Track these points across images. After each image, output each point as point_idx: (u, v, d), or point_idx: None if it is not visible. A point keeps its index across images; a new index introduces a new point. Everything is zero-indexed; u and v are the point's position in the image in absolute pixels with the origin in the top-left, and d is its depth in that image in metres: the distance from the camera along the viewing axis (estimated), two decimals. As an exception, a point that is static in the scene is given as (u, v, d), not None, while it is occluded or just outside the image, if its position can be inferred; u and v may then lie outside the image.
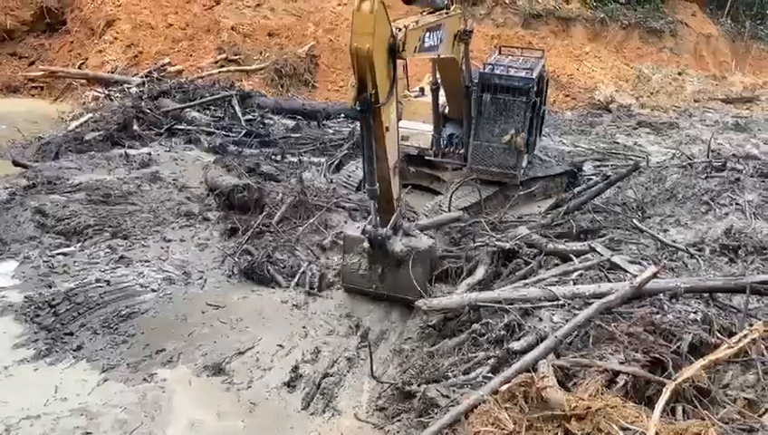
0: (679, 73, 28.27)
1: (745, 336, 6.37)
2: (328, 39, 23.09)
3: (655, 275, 7.41)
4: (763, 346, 6.64)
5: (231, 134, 16.24)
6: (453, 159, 13.50)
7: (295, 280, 9.72)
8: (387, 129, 8.04)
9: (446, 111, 13.67)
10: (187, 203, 12.02)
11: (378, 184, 8.24)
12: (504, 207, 12.00)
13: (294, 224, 11.08)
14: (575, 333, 7.07)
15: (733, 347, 6.26)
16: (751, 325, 7.00)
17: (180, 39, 21.83)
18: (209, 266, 10.10)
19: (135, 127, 15.84)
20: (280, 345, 8.42)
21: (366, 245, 8.88)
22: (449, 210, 11.64)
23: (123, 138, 15.23)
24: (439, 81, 12.52)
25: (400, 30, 7.90)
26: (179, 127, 16.31)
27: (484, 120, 12.66)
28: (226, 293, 9.47)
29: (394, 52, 7.74)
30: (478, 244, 9.93)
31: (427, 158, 13.59)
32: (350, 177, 13.56)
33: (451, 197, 12.12)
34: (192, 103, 17.56)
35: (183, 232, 11.04)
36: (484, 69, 12.62)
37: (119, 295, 8.94)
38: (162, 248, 10.41)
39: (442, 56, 10.87)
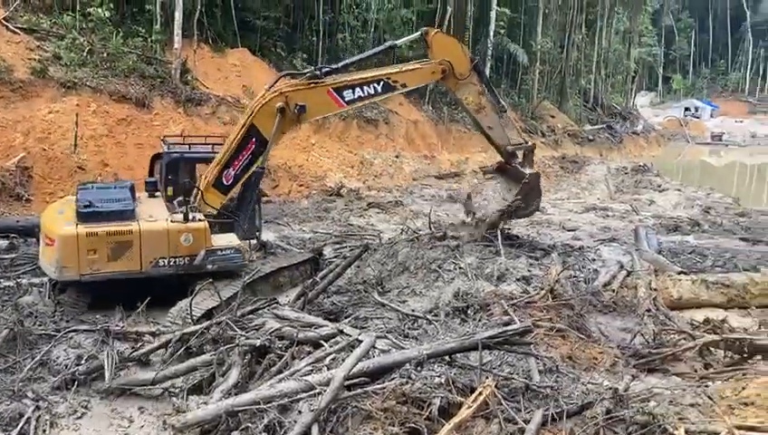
0: (396, 156, 31.25)
1: (480, 393, 6.95)
2: (41, 148, 21.24)
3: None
4: (499, 395, 7.32)
5: (-72, 269, 13.90)
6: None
7: (17, 431, 8.29)
8: None
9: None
10: None
11: None
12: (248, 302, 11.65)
13: (14, 360, 9.65)
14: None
15: (472, 405, 6.77)
16: (487, 378, 7.71)
17: None
18: None
19: None
20: None
21: None
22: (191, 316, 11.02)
23: None
24: None
25: None
26: None
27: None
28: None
29: None
30: (228, 346, 9.57)
31: None
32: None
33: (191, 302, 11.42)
34: None
35: None
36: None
37: None
38: None
39: None
